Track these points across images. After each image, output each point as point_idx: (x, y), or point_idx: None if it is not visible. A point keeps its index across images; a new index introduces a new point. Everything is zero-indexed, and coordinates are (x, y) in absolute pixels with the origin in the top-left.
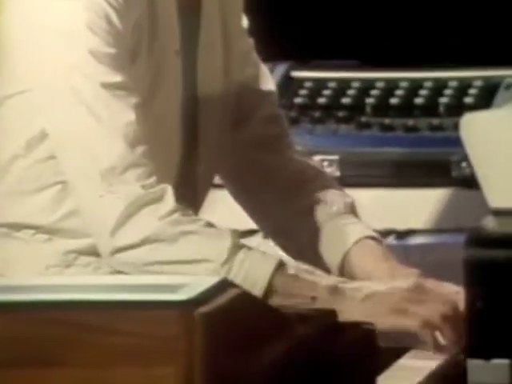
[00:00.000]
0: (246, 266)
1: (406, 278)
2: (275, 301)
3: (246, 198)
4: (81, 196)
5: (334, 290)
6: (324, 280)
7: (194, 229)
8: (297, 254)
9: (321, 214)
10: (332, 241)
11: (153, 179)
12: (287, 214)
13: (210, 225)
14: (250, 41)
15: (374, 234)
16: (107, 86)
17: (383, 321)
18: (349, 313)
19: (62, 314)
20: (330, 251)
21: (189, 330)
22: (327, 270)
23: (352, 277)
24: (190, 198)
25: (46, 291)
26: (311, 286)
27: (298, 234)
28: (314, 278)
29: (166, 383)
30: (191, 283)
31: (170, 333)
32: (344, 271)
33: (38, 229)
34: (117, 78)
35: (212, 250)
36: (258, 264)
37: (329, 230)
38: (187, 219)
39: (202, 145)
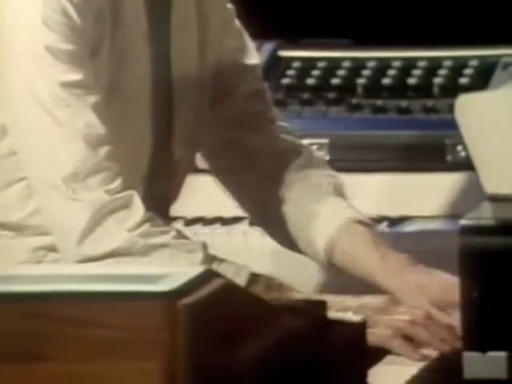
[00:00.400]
0: None
1: (396, 265)
2: None
3: (229, 179)
4: (43, 202)
5: None
6: (297, 293)
7: (164, 241)
8: (284, 240)
9: (307, 196)
10: (318, 225)
11: (118, 183)
12: (271, 196)
13: (180, 235)
14: (230, 10)
15: (364, 218)
16: (65, 85)
17: None
18: None
19: (40, 306)
20: (316, 236)
21: (172, 322)
22: (314, 260)
23: (340, 264)
24: (168, 183)
25: (23, 282)
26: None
27: (283, 218)
28: (286, 289)
29: (149, 377)
30: (174, 274)
31: (152, 325)
32: (331, 257)
33: (5, 225)
34: (76, 76)
35: (183, 264)
36: (231, 277)
37: (315, 213)
38: (157, 231)
39: (178, 128)
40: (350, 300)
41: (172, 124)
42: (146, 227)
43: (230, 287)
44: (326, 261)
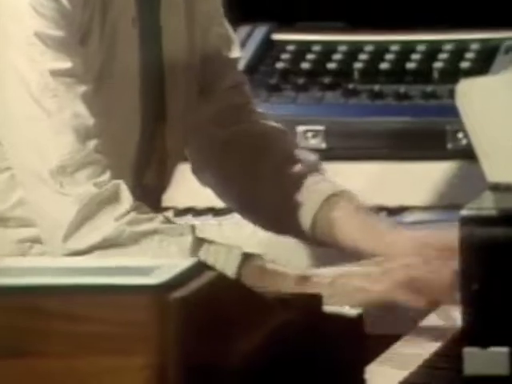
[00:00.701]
0: (210, 262)
1: (377, 228)
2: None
3: (209, 173)
4: (29, 194)
5: (301, 279)
6: (290, 270)
7: (153, 227)
8: (266, 224)
9: (286, 175)
10: (300, 202)
11: (107, 176)
12: (251, 180)
13: (167, 221)
14: None
15: (344, 190)
16: (55, 73)
17: (349, 299)
18: None
19: (24, 300)
20: (299, 214)
21: (162, 317)
22: (297, 238)
23: (324, 236)
24: (158, 173)
25: (6, 275)
26: (278, 277)
27: (264, 201)
28: (281, 269)
29: (139, 372)
30: (164, 266)
31: (141, 319)
32: (316, 233)
33: None
34: (65, 64)
35: (173, 249)
36: (223, 259)
37: (295, 191)
38: (144, 218)
39: (170, 114)
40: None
41: (164, 110)
42: (133, 215)
43: (221, 280)
44: (311, 235)
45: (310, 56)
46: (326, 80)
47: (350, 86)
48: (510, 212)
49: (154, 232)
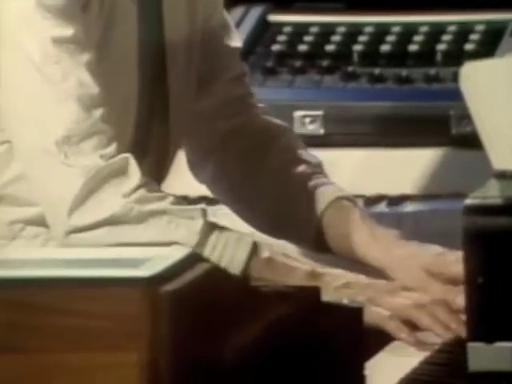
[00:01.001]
0: (220, 249)
1: (385, 241)
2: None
3: (202, 162)
4: (31, 169)
5: (310, 276)
6: (301, 265)
7: (162, 207)
8: (264, 225)
9: (287, 175)
10: (303, 205)
11: (113, 147)
12: (251, 178)
13: (178, 202)
14: None
15: (348, 195)
16: (57, 41)
17: None
18: None
19: (10, 293)
20: (301, 217)
21: (154, 310)
22: (297, 241)
23: (327, 241)
24: (158, 159)
25: None
26: (287, 271)
27: (264, 201)
28: (291, 262)
29: (128, 370)
30: (156, 257)
31: (132, 313)
32: (318, 239)
33: None
34: (68, 31)
35: (182, 232)
36: (232, 247)
37: (297, 193)
38: (154, 196)
39: (171, 95)
40: (358, 277)
41: (164, 91)
42: (142, 192)
43: (216, 272)
44: (313, 240)
45: (307, 38)
46: (324, 63)
47: (349, 69)
48: None
49: (163, 212)
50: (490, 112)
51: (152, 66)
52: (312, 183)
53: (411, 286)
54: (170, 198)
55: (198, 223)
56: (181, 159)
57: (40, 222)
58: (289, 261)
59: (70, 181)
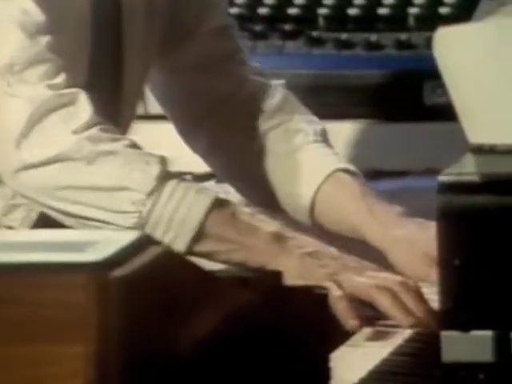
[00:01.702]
0: (176, 199)
1: (384, 219)
2: (206, 246)
3: (193, 132)
4: None
5: (275, 239)
6: (266, 225)
7: (115, 149)
8: (256, 197)
9: (283, 145)
10: (298, 177)
11: (62, 78)
12: (241, 146)
13: (134, 145)
14: None
15: (350, 167)
16: None
17: (314, 281)
18: (283, 269)
19: None
20: (300, 188)
21: (101, 298)
22: (294, 216)
23: (323, 218)
24: (113, 110)
25: None
26: (250, 231)
27: (256, 172)
28: (255, 222)
29: (76, 361)
30: (103, 240)
31: (78, 301)
32: (314, 212)
33: None
34: None
35: (136, 176)
36: (191, 199)
37: (294, 165)
38: (107, 136)
39: (128, 54)
40: (332, 250)
41: (121, 49)
42: (94, 131)
43: (169, 256)
44: (309, 215)
45: (268, 0)
46: (287, 27)
47: (314, 34)
48: (495, 177)
49: (117, 153)
50: (466, 81)
51: (107, 24)
52: (310, 154)
53: (410, 273)
54: (126, 141)
55: (155, 169)
56: (165, 133)
57: None
58: (254, 220)
59: (14, 111)
